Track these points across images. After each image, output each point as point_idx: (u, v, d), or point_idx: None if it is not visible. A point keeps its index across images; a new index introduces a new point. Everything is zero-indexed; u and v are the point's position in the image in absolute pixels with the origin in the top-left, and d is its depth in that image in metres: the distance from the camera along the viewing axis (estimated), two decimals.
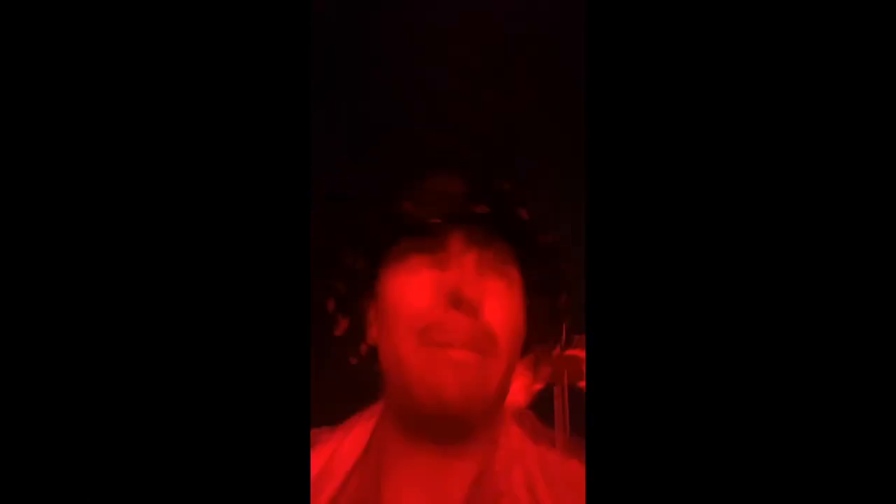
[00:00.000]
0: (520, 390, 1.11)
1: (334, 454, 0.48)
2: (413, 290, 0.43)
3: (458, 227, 0.43)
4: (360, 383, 0.51)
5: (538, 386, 1.12)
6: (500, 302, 0.43)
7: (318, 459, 0.47)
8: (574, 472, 0.45)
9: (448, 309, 0.41)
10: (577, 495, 0.41)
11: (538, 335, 0.52)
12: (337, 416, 0.52)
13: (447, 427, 0.43)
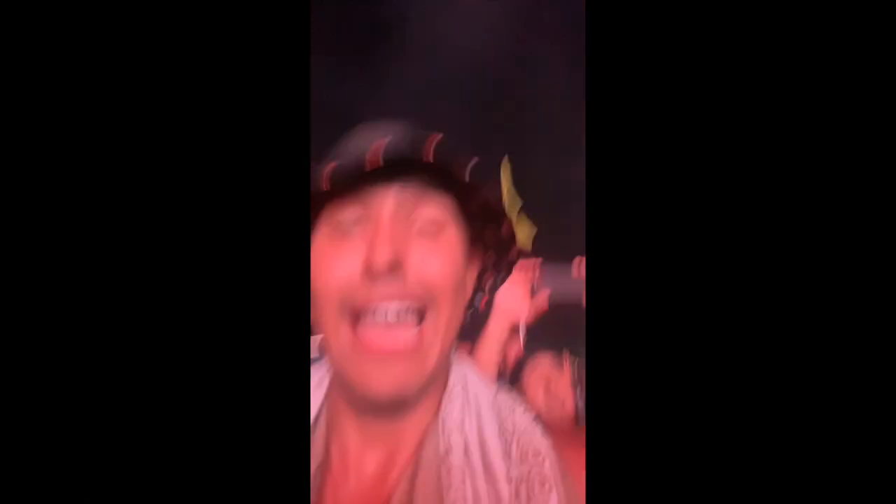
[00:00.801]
0: (523, 308, 1.14)
1: None
2: (332, 262, 0.41)
3: (376, 191, 0.41)
4: None
5: (541, 304, 1.14)
6: (427, 254, 0.41)
7: None
8: (525, 419, 0.46)
9: (368, 278, 0.39)
10: (529, 444, 0.44)
11: (491, 263, 0.52)
12: None
13: (388, 406, 0.42)
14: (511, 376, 1.53)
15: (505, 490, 0.41)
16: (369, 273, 0.39)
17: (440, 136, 0.41)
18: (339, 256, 0.41)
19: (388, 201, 0.41)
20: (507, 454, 0.43)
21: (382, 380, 0.40)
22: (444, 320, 0.42)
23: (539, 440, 0.45)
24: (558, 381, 1.41)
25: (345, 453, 0.46)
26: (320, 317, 0.42)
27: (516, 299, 1.15)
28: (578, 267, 1.22)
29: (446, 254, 0.43)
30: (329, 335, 0.42)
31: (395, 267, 0.39)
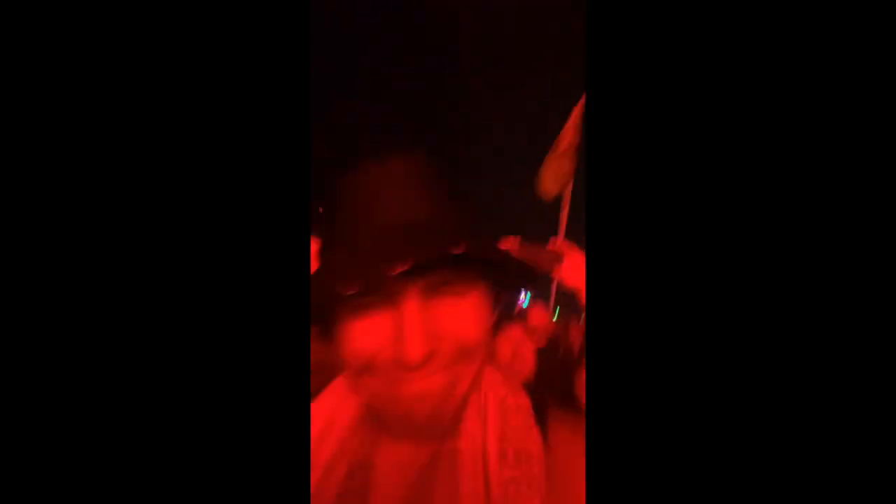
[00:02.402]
0: (529, 357, 1.24)
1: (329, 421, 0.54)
2: (363, 336, 0.44)
3: (407, 278, 0.41)
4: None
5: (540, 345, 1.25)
6: (452, 323, 0.44)
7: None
8: (527, 424, 0.51)
9: (398, 352, 0.42)
10: (524, 447, 0.49)
11: (505, 318, 0.58)
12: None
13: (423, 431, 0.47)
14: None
15: (494, 489, 0.46)
16: (402, 365, 0.41)
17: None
18: (365, 329, 0.43)
19: (414, 298, 0.42)
20: (503, 456, 0.48)
21: (417, 414, 0.44)
22: (471, 373, 0.46)
23: (534, 443, 0.49)
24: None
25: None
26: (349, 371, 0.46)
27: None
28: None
29: (470, 317, 0.45)
30: (356, 386, 0.47)
31: (429, 356, 0.42)
